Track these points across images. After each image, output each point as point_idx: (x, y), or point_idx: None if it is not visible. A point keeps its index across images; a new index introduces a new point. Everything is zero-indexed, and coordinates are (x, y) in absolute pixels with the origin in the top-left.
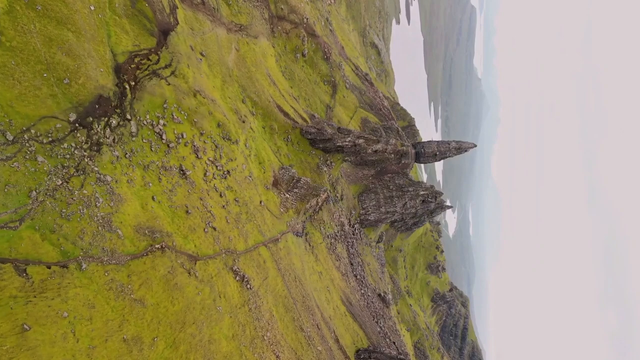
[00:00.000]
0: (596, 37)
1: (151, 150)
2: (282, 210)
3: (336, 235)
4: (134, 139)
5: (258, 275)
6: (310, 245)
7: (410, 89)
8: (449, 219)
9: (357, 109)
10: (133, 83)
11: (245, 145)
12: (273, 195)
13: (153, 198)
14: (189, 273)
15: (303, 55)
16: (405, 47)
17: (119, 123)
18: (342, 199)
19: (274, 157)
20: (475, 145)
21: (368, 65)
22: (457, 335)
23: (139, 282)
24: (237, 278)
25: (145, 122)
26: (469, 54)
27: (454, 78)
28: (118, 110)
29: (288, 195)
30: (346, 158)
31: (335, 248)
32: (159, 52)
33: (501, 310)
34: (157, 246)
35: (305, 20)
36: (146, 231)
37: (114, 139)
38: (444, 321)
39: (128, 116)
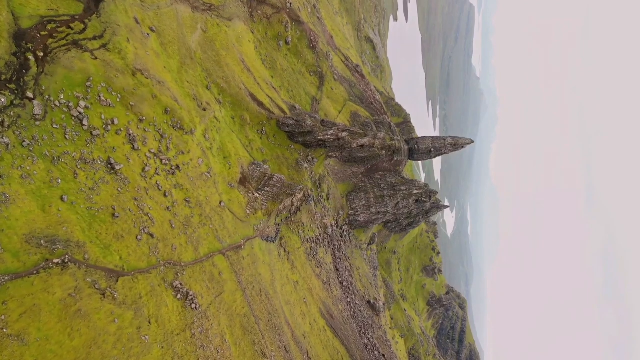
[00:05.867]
0: (594, 36)
1: (65, 138)
2: (248, 212)
3: (317, 239)
4: (38, 123)
5: (209, 291)
6: (285, 251)
7: (408, 87)
8: (447, 218)
9: (347, 102)
10: (42, 54)
11: (205, 137)
12: (238, 195)
13: (62, 198)
14: (104, 294)
15: (286, 43)
16: (403, 44)
17: (12, 102)
18: (328, 199)
19: (243, 152)
20: (473, 141)
21: (362, 60)
22: (454, 338)
23: (19, 311)
24: (179, 296)
25: (57, 103)
26: (468, 52)
27: (452, 77)
28: (12, 86)
29: (258, 195)
30: (330, 153)
31: (316, 253)
32: (85, 20)
33: (499, 309)
34: (55, 261)
35: (288, 4)
36: (42, 241)
37: (2, 122)
38: (440, 324)
39: (30, 94)
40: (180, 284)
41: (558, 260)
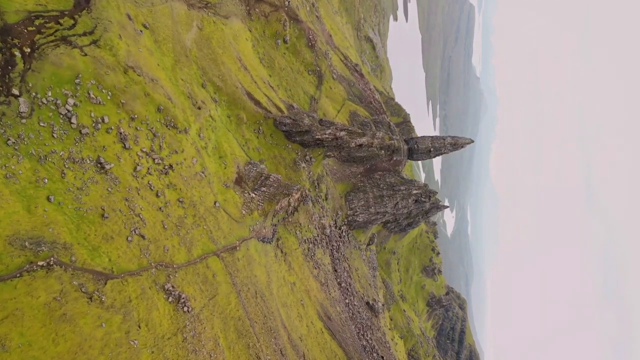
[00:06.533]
0: (594, 36)
1: (53, 136)
2: (244, 212)
3: (315, 240)
4: (24, 121)
5: (202, 294)
6: (282, 252)
7: (408, 87)
8: (447, 218)
9: (345, 101)
10: (28, 50)
11: (199, 136)
12: (234, 195)
13: (49, 199)
14: (91, 298)
15: (285, 42)
16: (403, 44)
17: None
18: (326, 199)
19: (239, 151)
20: (472, 141)
21: (362, 60)
22: (454, 339)
23: (0, 316)
24: (170, 299)
25: (45, 101)
26: (468, 52)
27: (452, 77)
28: None
29: (254, 195)
30: (328, 153)
31: (314, 254)
32: (75, 16)
33: (499, 309)
34: (40, 263)
35: (286, 3)
36: (26, 243)
37: None
38: (440, 325)
39: (15, 91)
40: (172, 287)
41: (558, 260)
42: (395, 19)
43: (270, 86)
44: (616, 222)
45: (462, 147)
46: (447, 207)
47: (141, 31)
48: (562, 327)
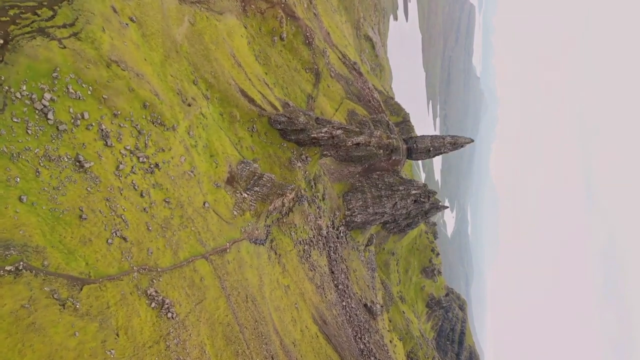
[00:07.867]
0: (595, 36)
1: (27, 133)
2: (235, 213)
3: (311, 241)
4: None
5: (188, 299)
6: (276, 254)
7: (408, 87)
8: (448, 218)
9: (343, 100)
10: (1, 41)
11: (189, 134)
12: (225, 195)
13: (21, 199)
14: (63, 305)
15: (281, 39)
16: (403, 44)
17: None
18: (324, 199)
19: (232, 150)
20: (472, 140)
21: (361, 59)
22: (454, 340)
23: None
24: (153, 305)
25: (19, 95)
26: (468, 52)
27: (452, 76)
28: None
29: (246, 195)
30: (325, 152)
31: (310, 256)
32: (55, 7)
33: (499, 309)
34: (7, 268)
35: None
36: None
37: None
38: (440, 325)
39: None
40: (156, 291)
41: (558, 261)
42: (396, 18)
43: (266, 84)
44: (617, 222)
45: (461, 146)
46: (446, 207)
47: (127, 24)
48: (562, 327)
